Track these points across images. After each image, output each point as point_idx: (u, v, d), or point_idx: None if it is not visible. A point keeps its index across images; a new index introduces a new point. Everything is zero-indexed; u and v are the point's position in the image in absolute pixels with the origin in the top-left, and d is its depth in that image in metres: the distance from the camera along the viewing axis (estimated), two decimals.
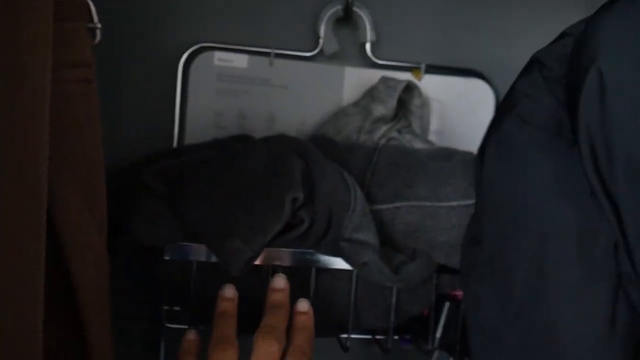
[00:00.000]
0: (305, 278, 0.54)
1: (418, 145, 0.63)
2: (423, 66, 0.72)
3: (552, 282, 0.42)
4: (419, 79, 0.72)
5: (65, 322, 0.45)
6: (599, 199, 0.42)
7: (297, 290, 0.55)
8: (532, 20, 0.76)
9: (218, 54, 0.70)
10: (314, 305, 0.54)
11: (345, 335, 0.57)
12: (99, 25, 0.47)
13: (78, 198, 0.44)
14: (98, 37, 0.48)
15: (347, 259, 0.50)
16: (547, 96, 0.47)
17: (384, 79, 0.67)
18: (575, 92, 0.43)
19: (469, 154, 0.54)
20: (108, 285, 0.47)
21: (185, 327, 0.57)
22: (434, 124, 0.72)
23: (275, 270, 0.55)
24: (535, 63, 0.49)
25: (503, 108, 0.49)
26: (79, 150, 0.45)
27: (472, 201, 0.50)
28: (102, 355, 0.46)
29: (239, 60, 0.71)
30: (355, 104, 0.68)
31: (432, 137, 0.72)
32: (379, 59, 0.71)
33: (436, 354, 0.60)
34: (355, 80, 0.72)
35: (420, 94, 0.68)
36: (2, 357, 0.37)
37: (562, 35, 0.48)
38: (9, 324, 0.37)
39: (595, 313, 0.41)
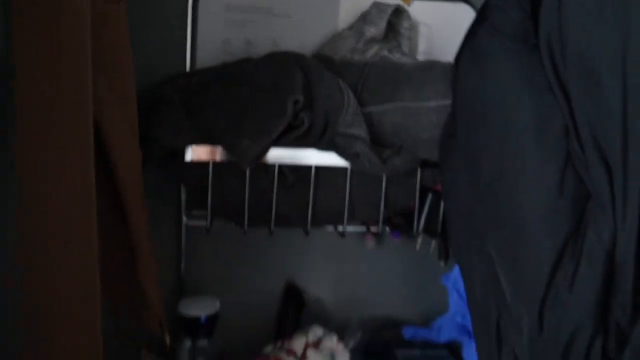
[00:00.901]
0: (308, 175, 0.63)
1: (406, 62, 0.70)
2: None
3: (514, 161, 0.51)
4: (409, 4, 0.78)
5: (109, 208, 0.54)
6: (555, 91, 0.50)
7: (301, 185, 0.63)
8: None
9: None
10: (316, 198, 0.63)
11: (341, 227, 0.66)
12: None
13: (114, 103, 0.52)
14: None
15: (342, 152, 0.58)
16: (515, 9, 0.54)
17: (375, 4, 0.74)
18: (537, 3, 0.50)
19: (449, 64, 0.61)
20: (142, 178, 0.56)
21: (203, 223, 0.66)
22: (422, 47, 0.79)
23: (281, 169, 0.63)
24: None
25: (478, 20, 0.57)
26: (114, 61, 0.53)
27: (449, 101, 0.58)
28: (142, 238, 0.55)
29: None
30: (350, 27, 0.75)
31: (420, 58, 0.79)
32: None
33: (420, 238, 0.69)
34: (350, 7, 0.78)
35: (409, 17, 0.74)
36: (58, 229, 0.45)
37: None
38: (67, 208, 0.45)
39: (548, 182, 0.49)
